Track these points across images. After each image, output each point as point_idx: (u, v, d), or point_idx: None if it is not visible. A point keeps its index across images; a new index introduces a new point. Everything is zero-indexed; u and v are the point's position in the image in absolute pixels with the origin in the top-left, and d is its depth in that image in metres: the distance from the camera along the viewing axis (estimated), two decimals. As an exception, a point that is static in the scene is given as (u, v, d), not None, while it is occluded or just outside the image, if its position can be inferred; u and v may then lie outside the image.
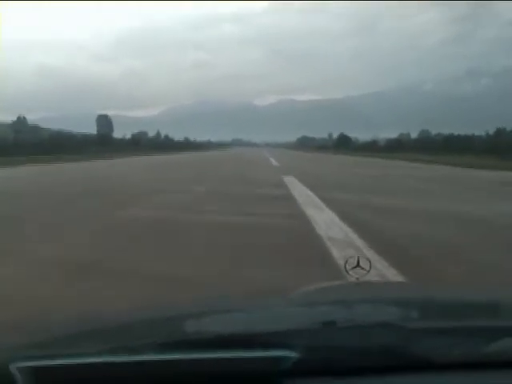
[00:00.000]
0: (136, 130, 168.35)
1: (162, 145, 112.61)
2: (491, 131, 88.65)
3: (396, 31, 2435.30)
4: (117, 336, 1.33)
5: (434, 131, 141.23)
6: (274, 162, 47.51)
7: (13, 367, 1.03)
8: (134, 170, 32.47)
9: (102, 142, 78.19)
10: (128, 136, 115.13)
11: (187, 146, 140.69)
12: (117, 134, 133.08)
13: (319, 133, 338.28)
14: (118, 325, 1.46)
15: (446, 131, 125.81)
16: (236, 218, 10.14)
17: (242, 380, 1.04)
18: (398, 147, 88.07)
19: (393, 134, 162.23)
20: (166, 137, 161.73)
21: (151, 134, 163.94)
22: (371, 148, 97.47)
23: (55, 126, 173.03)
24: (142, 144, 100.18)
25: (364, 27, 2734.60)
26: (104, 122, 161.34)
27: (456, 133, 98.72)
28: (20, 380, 1.00)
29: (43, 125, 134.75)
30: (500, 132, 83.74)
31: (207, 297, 3.19)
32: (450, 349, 1.14)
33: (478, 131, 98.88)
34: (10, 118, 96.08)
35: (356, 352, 1.13)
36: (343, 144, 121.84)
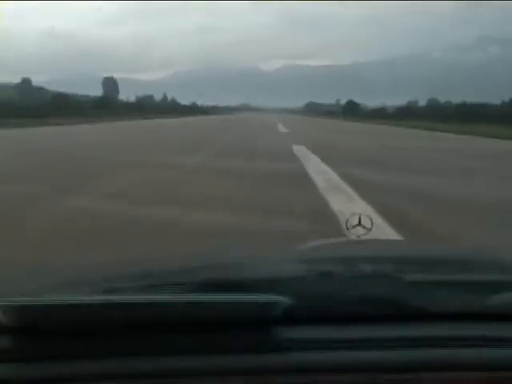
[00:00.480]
0: (142, 93, 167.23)
1: (169, 108, 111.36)
2: (500, 100, 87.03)
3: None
4: (103, 279, 1.34)
5: (442, 99, 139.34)
6: (281, 127, 44.38)
7: None
8: (131, 134, 30.61)
9: (105, 104, 76.79)
10: (132, 99, 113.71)
11: (194, 110, 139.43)
12: (123, 96, 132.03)
13: (327, 99, 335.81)
14: (106, 269, 1.48)
15: (454, 99, 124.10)
16: (226, 221, 6.68)
17: (232, 324, 1.03)
18: (407, 115, 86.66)
19: (400, 102, 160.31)
20: (173, 100, 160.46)
21: (158, 97, 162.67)
22: (380, 115, 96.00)
23: (62, 88, 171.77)
24: (148, 107, 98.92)
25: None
26: (110, 83, 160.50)
27: (465, 101, 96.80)
28: (1, 318, 1.00)
29: (50, 87, 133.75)
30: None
31: (205, 249, 3.04)
32: (449, 300, 1.16)
33: (488, 99, 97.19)
34: (16, 79, 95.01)
35: (351, 301, 1.14)
36: (351, 110, 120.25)
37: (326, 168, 13.09)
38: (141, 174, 11.46)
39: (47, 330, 1.00)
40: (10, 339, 1.01)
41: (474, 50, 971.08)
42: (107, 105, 76.12)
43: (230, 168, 12.59)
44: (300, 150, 18.77)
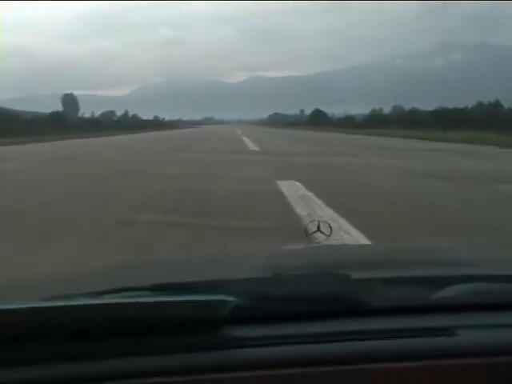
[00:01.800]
0: (106, 110, 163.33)
1: (129, 124, 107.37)
2: (462, 105, 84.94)
3: (370, 5, 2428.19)
4: (55, 286, 1.43)
5: (406, 107, 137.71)
6: (250, 144, 34.43)
7: None
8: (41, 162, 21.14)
9: (58, 121, 71.79)
10: (88, 115, 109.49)
11: (156, 125, 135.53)
12: (85, 113, 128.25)
13: (291, 109, 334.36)
14: (61, 275, 1.74)
15: (419, 106, 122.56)
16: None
17: (179, 324, 1.07)
18: (377, 123, 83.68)
19: (364, 110, 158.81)
20: (134, 116, 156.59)
21: (120, 113, 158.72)
22: (348, 124, 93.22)
23: (23, 106, 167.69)
24: (106, 124, 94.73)
25: (337, 2, 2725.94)
26: (69, 101, 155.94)
27: (441, 106, 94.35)
28: None
29: (12, 106, 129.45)
30: (493, 105, 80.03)
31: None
32: (393, 294, 1.25)
33: (450, 105, 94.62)
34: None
35: (299, 299, 1.19)
36: (318, 120, 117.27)
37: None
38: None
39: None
40: None
41: (435, 56, 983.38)
42: (60, 122, 71.42)
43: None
44: (297, 195, 9.86)
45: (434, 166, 17.86)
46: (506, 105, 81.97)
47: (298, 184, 11.33)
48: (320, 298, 1.18)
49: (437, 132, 47.33)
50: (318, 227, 1.96)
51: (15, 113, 75.17)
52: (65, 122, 76.39)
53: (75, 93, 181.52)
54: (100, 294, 1.15)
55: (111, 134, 59.08)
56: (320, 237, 1.95)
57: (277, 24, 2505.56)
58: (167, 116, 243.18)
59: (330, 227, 1.98)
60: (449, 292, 1.23)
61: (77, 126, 74.62)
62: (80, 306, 1.04)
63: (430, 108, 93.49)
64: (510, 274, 1.43)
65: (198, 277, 1.34)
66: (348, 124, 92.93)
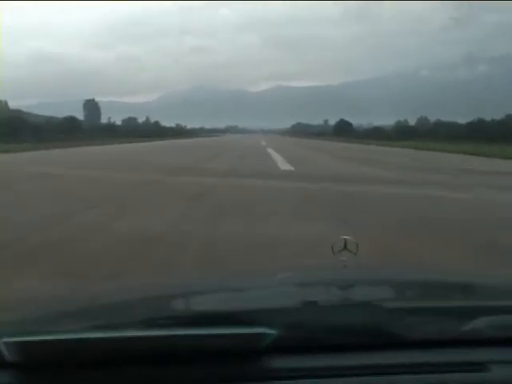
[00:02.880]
0: (129, 116, 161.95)
1: (150, 131, 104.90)
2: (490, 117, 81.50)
3: (395, 16, 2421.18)
4: (102, 313, 1.43)
5: (431, 118, 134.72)
6: (278, 159, 27.82)
7: (0, 342, 1.05)
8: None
9: (69, 127, 68.99)
10: (104, 121, 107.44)
11: (178, 132, 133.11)
12: (104, 120, 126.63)
13: (314, 119, 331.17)
14: (104, 303, 1.60)
15: (445, 118, 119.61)
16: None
17: (222, 357, 1.08)
18: (408, 134, 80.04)
19: (388, 121, 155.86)
20: (156, 123, 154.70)
21: (142, 119, 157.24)
22: (377, 135, 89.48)
23: (51, 112, 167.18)
24: (124, 130, 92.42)
25: (362, 12, 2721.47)
26: (91, 106, 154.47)
27: (452, 120, 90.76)
28: (6, 354, 1.03)
29: (40, 111, 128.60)
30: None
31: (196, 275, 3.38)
32: (426, 327, 1.24)
33: (475, 117, 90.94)
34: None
35: (334, 331, 1.21)
36: (344, 130, 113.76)
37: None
38: None
39: (48, 365, 1.05)
40: (13, 375, 1.05)
41: (461, 68, 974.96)
42: (74, 128, 68.72)
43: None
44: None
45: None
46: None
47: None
48: (356, 330, 1.19)
49: (479, 146, 43.44)
50: (345, 245, 1.91)
51: (30, 117, 72.88)
52: (78, 127, 73.83)
53: (101, 99, 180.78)
54: (142, 323, 1.17)
55: (124, 142, 56.30)
56: (346, 255, 1.88)
57: (301, 33, 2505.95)
58: (190, 123, 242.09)
59: (357, 245, 1.92)
60: (479, 325, 1.21)
61: (91, 132, 71.95)
62: (123, 337, 1.05)
63: (457, 120, 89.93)
64: None
65: (232, 305, 1.38)
66: (376, 135, 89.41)
